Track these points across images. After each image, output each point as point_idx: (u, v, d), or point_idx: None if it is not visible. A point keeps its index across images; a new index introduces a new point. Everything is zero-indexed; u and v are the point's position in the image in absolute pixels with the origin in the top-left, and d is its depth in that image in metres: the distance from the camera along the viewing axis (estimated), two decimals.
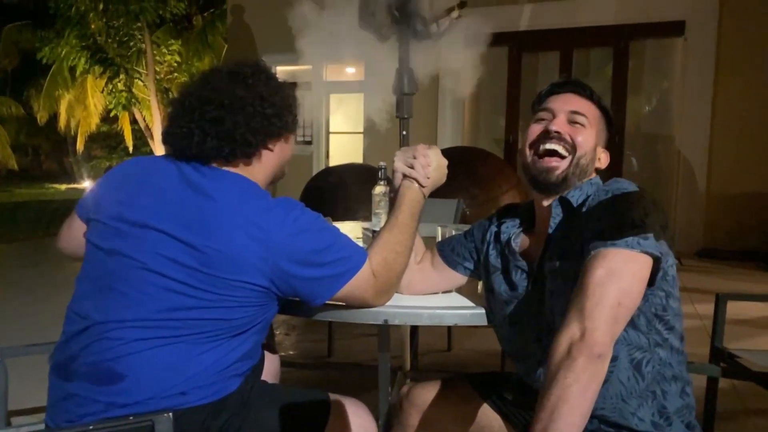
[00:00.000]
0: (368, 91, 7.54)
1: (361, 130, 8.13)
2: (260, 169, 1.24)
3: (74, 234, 1.29)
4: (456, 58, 7.37)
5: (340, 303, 1.23)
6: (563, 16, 6.24)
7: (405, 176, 1.31)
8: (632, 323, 1.04)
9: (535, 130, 1.23)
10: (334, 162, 8.91)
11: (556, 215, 1.15)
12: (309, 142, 8.71)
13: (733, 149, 5.86)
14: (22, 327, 3.59)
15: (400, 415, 1.40)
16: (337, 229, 1.22)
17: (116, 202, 1.18)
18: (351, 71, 8.73)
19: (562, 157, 1.17)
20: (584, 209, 1.12)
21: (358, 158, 8.10)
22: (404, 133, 1.98)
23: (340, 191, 4.22)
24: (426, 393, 1.38)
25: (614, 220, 1.01)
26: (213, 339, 1.11)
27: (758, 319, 3.67)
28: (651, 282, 1.01)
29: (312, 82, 8.65)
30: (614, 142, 1.20)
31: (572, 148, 1.17)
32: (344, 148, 9.03)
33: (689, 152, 6.08)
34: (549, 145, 1.18)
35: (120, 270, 1.12)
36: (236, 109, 1.17)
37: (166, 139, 1.22)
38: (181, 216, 1.11)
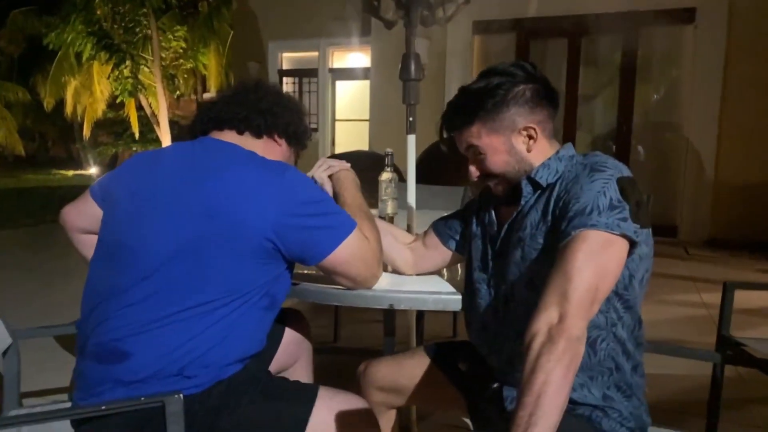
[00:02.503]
0: (374, 78, 7.53)
1: (367, 117, 8.11)
2: (263, 153, 1.29)
3: (85, 210, 1.34)
4: (463, 45, 7.30)
5: (340, 274, 1.25)
6: (571, 3, 6.17)
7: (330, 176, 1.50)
8: None
9: None
10: (339, 149, 8.90)
11: (527, 193, 1.16)
12: (315, 130, 8.70)
13: (742, 138, 5.81)
14: (33, 310, 3.63)
15: (361, 394, 1.41)
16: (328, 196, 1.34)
17: (127, 183, 1.25)
18: (357, 57, 8.70)
19: (494, 183, 1.23)
20: (560, 183, 1.11)
21: (364, 145, 8.09)
22: (411, 119, 1.96)
23: None
24: (383, 368, 1.42)
25: (593, 200, 1.01)
26: (216, 308, 1.12)
27: (765, 309, 3.66)
28: None
29: (318, 69, 8.63)
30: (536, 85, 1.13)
31: (492, 178, 1.21)
32: (350, 135, 9.02)
33: (697, 141, 6.03)
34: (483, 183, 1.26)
35: (128, 245, 1.15)
36: (264, 95, 1.35)
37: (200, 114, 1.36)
38: (187, 184, 1.16)
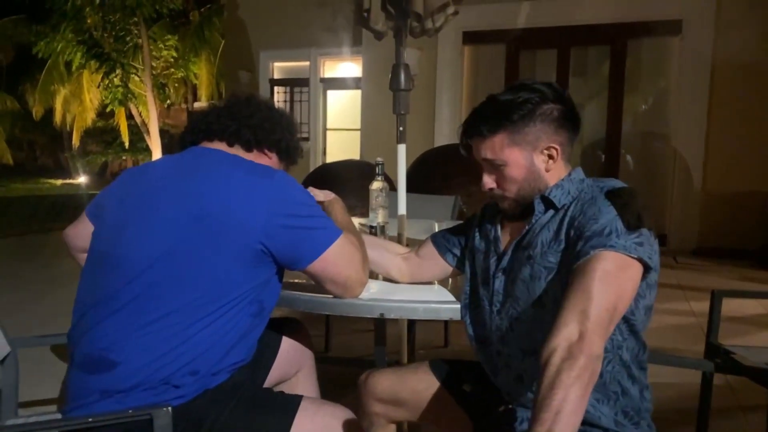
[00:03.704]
0: (365, 88, 7.56)
1: (358, 126, 8.13)
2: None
3: (81, 231, 1.35)
4: (453, 55, 7.34)
5: (329, 279, 1.25)
6: (561, 14, 6.24)
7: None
8: None
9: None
10: (330, 158, 8.91)
11: (539, 212, 1.16)
12: (306, 139, 8.70)
13: (730, 148, 5.88)
14: (20, 321, 3.59)
15: (361, 403, 1.41)
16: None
17: (115, 195, 1.27)
18: (348, 67, 8.72)
19: (505, 198, 1.21)
20: (575, 204, 1.12)
21: (355, 154, 8.10)
22: (401, 129, 1.98)
23: (337, 187, 4.22)
24: (384, 380, 1.39)
25: (612, 222, 1.01)
26: (204, 313, 1.12)
27: (753, 317, 3.69)
28: None
29: (309, 79, 8.65)
30: (572, 119, 1.16)
31: (506, 191, 1.19)
32: (341, 144, 9.03)
33: (685, 150, 6.09)
34: (492, 196, 1.24)
35: (115, 254, 1.16)
36: (256, 109, 1.36)
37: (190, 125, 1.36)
38: (174, 188, 1.18)
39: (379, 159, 2.15)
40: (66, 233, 1.40)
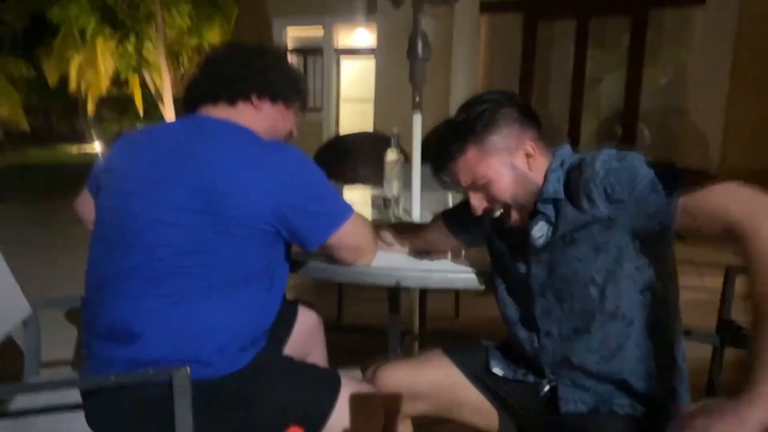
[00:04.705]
0: (380, 57, 7.47)
1: (372, 96, 8.07)
2: (248, 123, 1.25)
3: (87, 204, 1.35)
4: (470, 24, 7.21)
5: (343, 252, 1.27)
6: None
7: None
8: (650, 287, 1.07)
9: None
10: (344, 129, 8.87)
11: (550, 214, 1.11)
12: (319, 110, 8.66)
13: (750, 124, 5.77)
14: (39, 285, 3.66)
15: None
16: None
17: (121, 166, 1.23)
18: (363, 35, 8.62)
19: (506, 210, 1.17)
20: (582, 176, 1.06)
21: (368, 125, 8.06)
22: (417, 99, 1.96)
23: (350, 159, 4.21)
24: (397, 373, 1.31)
25: (643, 176, 1.00)
26: (218, 290, 1.13)
27: None
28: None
29: (322, 47, 8.56)
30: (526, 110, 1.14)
31: (502, 203, 1.15)
32: (355, 115, 8.98)
33: (704, 125, 5.99)
34: (492, 217, 1.20)
35: (128, 225, 1.15)
36: (233, 58, 1.29)
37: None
38: (181, 162, 1.14)
39: (394, 130, 2.15)
40: (77, 204, 1.40)
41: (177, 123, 1.27)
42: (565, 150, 1.17)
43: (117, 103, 18.32)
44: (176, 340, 1.11)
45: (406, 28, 1.97)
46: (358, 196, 2.57)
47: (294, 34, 8.95)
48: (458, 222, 1.40)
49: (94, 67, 15.88)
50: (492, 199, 1.15)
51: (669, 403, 1.09)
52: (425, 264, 1.43)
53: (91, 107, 17.04)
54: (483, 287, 1.35)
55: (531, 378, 1.24)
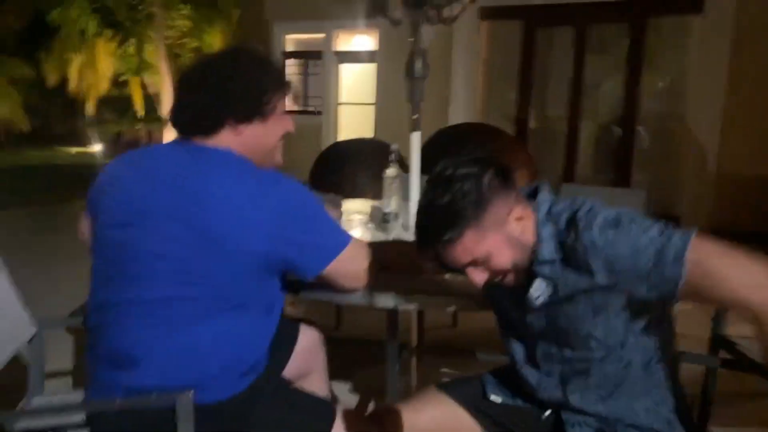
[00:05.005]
0: (381, 61, 7.49)
1: (372, 101, 8.09)
2: (235, 148, 1.23)
3: (87, 225, 1.36)
4: (469, 31, 7.21)
5: (339, 283, 1.27)
6: None
7: None
8: (648, 331, 1.08)
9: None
10: (343, 133, 8.89)
11: (546, 274, 1.11)
12: (319, 113, 8.68)
13: (747, 130, 5.79)
14: (39, 296, 3.68)
15: None
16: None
17: (117, 194, 1.23)
18: (363, 40, 8.64)
19: (504, 277, 1.15)
20: (566, 235, 1.07)
21: (368, 129, 8.08)
22: (415, 117, 1.99)
23: (350, 166, 4.24)
24: (398, 417, 1.28)
25: (653, 242, 0.99)
26: (218, 317, 1.15)
27: None
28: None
29: (323, 51, 8.58)
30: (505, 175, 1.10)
31: (501, 273, 1.13)
32: (354, 119, 9.00)
33: (701, 131, 6.02)
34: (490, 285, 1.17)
35: (127, 256, 1.17)
36: (198, 84, 1.24)
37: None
38: (178, 195, 1.15)
39: (393, 146, 2.17)
40: (81, 236, 1.40)
41: (172, 150, 1.25)
42: (544, 195, 1.15)
43: (116, 104, 18.30)
44: (177, 366, 1.14)
45: (407, 32, 1.99)
46: (357, 210, 2.59)
47: (294, 38, 8.97)
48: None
49: (94, 68, 15.88)
50: (493, 271, 1.12)
51: (673, 427, 1.12)
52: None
53: (90, 108, 17.05)
54: (481, 309, 1.37)
55: (531, 404, 1.26)
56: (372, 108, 8.15)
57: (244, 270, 1.15)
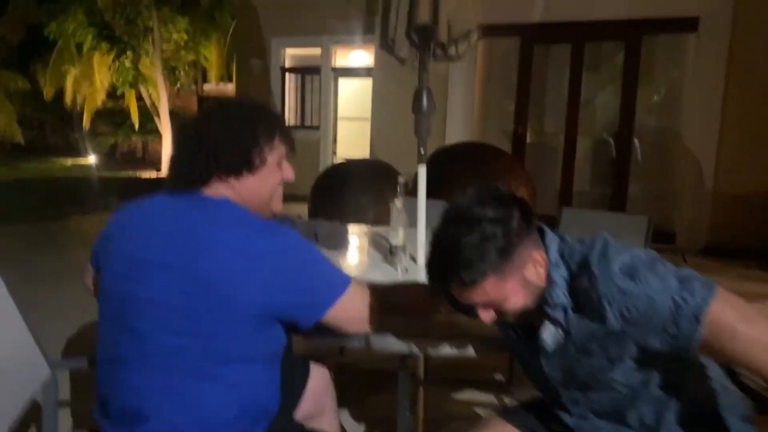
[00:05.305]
0: (377, 76, 7.54)
1: (369, 115, 8.14)
2: (233, 197, 1.24)
3: (92, 278, 1.37)
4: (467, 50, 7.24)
5: (341, 329, 1.24)
6: (576, 9, 6.20)
7: None
8: (679, 371, 1.08)
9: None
10: (341, 148, 8.94)
11: (557, 317, 1.10)
12: (317, 128, 8.72)
13: (742, 147, 5.86)
14: (38, 318, 3.66)
15: None
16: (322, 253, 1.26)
17: (118, 246, 1.24)
18: (360, 55, 8.70)
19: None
20: (594, 290, 1.04)
21: (365, 144, 8.12)
22: (422, 151, 2.02)
23: (351, 188, 4.26)
24: None
25: (669, 293, 0.98)
26: (224, 366, 1.15)
27: None
28: None
29: (321, 66, 8.64)
30: (529, 220, 1.08)
31: (511, 316, 1.11)
32: (352, 133, 9.05)
33: (697, 148, 6.08)
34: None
35: (129, 310, 1.17)
36: (190, 141, 1.25)
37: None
38: (173, 245, 1.15)
39: (400, 179, 2.20)
40: (87, 285, 1.41)
41: (169, 200, 1.25)
42: (551, 236, 1.13)
43: (112, 116, 18.32)
44: (187, 421, 1.14)
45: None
46: (358, 234, 2.62)
47: (292, 52, 9.03)
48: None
49: (89, 80, 15.91)
50: (503, 314, 1.10)
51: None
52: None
53: (86, 120, 17.05)
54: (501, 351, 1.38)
55: None
56: (369, 123, 8.20)
57: (242, 320, 1.13)
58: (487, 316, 1.10)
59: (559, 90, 6.71)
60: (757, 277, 5.00)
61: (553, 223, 2.99)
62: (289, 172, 1.32)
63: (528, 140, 6.97)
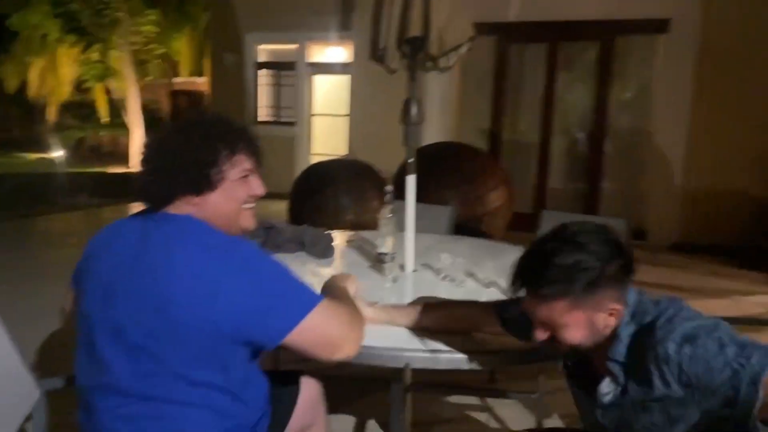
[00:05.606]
0: (356, 73, 7.51)
1: (345, 112, 8.11)
2: (197, 214, 1.21)
3: (73, 301, 1.34)
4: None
5: (307, 353, 1.16)
6: (552, 9, 6.29)
7: None
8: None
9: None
10: (317, 144, 8.89)
11: (616, 372, 1.15)
12: (292, 124, 8.65)
13: (712, 146, 6.02)
14: (13, 318, 3.56)
15: None
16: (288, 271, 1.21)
17: (95, 267, 1.23)
18: (336, 52, 8.65)
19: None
20: (654, 353, 1.07)
21: (342, 141, 8.10)
22: (411, 160, 2.03)
23: (330, 188, 4.24)
24: None
25: (728, 364, 1.00)
26: (194, 389, 1.13)
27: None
28: None
29: (296, 62, 8.56)
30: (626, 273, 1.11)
31: (562, 345, 1.15)
32: (328, 130, 9.00)
33: (667, 147, 6.24)
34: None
35: (97, 336, 1.16)
36: (152, 161, 1.22)
37: None
38: (139, 269, 1.13)
39: (388, 188, 2.21)
40: (66, 311, 1.38)
41: (135, 222, 1.24)
42: (632, 295, 1.16)
43: (79, 109, 17.87)
44: None
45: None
46: (344, 244, 2.62)
47: (266, 48, 8.92)
48: (514, 319, 1.37)
49: (55, 73, 15.50)
50: (557, 339, 1.14)
51: None
52: (432, 344, 1.47)
53: (51, 113, 16.61)
54: (488, 366, 1.41)
55: None
56: (345, 119, 8.17)
57: (207, 343, 1.10)
58: (542, 335, 1.15)
59: (535, 89, 6.79)
60: (726, 273, 5.17)
61: (530, 220, 3.04)
62: (257, 187, 1.28)
63: (504, 139, 7.04)
